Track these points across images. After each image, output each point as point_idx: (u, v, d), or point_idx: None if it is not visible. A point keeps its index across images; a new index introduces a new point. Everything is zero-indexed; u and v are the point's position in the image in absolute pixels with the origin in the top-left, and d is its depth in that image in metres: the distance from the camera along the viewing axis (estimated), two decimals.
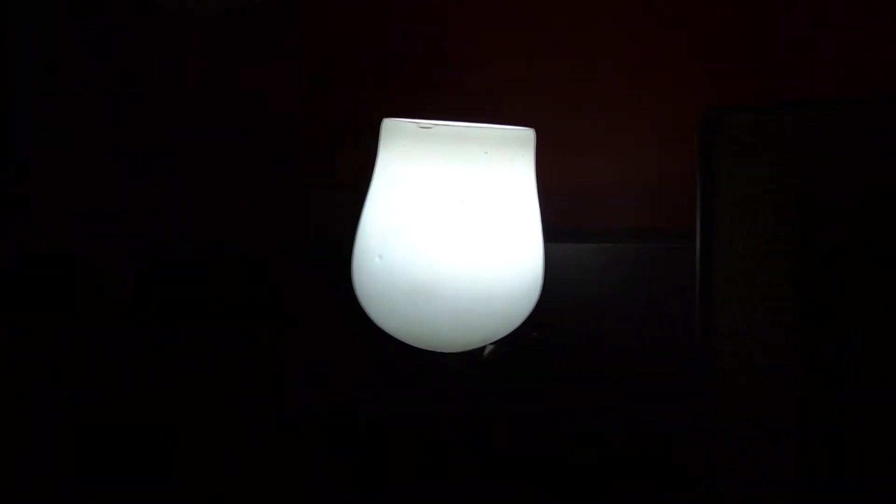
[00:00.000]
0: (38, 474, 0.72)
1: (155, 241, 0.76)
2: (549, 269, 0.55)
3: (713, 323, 0.49)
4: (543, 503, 0.62)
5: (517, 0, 0.66)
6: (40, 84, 0.75)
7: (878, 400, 0.46)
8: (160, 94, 0.77)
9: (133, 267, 0.75)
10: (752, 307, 0.48)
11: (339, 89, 0.71)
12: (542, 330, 0.62)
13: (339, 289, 0.54)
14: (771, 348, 0.48)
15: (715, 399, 0.49)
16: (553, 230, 0.56)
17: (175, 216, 0.76)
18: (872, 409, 0.46)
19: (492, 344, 0.57)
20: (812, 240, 0.48)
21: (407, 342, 0.49)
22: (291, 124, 0.72)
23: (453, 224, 0.45)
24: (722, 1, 0.59)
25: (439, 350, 0.50)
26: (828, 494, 0.46)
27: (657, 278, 0.59)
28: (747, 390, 0.48)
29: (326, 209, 0.68)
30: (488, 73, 0.66)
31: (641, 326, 0.60)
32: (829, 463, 0.46)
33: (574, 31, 0.63)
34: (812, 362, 0.47)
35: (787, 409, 0.47)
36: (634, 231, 0.62)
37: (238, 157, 0.76)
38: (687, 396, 0.51)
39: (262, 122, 0.74)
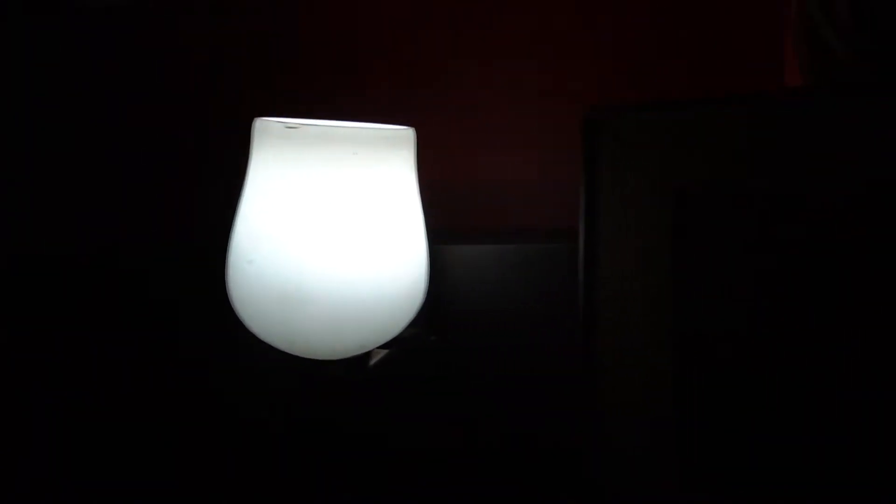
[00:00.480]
0: None
1: (30, 243, 0.73)
2: (445, 271, 0.54)
3: (595, 320, 0.49)
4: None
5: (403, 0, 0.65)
6: None
7: (753, 392, 0.45)
8: (37, 91, 0.74)
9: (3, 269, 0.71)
10: (633, 305, 0.48)
11: (225, 89, 0.69)
12: (439, 333, 0.61)
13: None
14: (650, 344, 0.47)
15: (596, 394, 0.48)
16: (447, 232, 0.55)
17: (51, 219, 0.73)
18: (748, 400, 0.46)
19: (384, 349, 0.55)
20: (690, 239, 0.47)
21: (281, 349, 0.47)
22: (180, 124, 0.70)
23: (324, 227, 0.44)
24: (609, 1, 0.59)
25: (316, 357, 0.48)
26: (708, 483, 0.46)
27: (548, 277, 0.59)
28: (628, 384, 0.48)
29: (215, 211, 0.66)
30: (379, 74, 0.65)
31: (537, 325, 0.59)
32: (708, 452, 0.46)
33: (463, 31, 0.62)
34: (689, 357, 0.47)
35: (666, 401, 0.47)
36: (529, 230, 0.62)
37: (123, 159, 0.73)
38: (573, 392, 0.51)
39: (150, 123, 0.72)
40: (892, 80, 0.49)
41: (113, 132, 0.72)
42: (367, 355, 0.53)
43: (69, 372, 0.70)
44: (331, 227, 0.44)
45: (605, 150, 0.50)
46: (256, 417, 0.62)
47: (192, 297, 0.65)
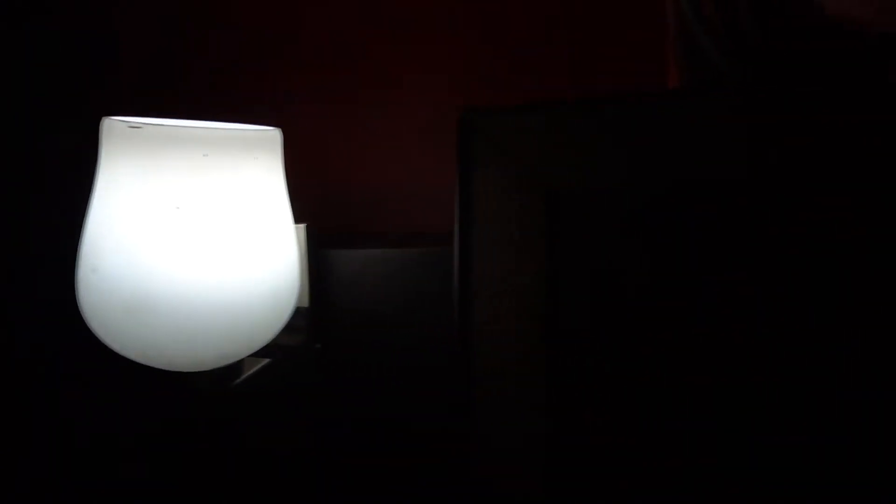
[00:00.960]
0: None
1: None
2: (331, 276, 0.52)
3: (470, 322, 0.48)
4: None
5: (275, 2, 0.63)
6: None
7: (625, 392, 0.45)
8: None
9: None
10: (507, 306, 0.47)
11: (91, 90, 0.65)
12: (324, 340, 0.60)
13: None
14: (524, 345, 0.47)
15: (472, 393, 0.47)
16: (334, 237, 0.53)
17: None
18: (621, 399, 0.45)
19: (265, 358, 0.53)
20: (563, 240, 0.47)
21: (138, 361, 0.45)
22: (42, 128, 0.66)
23: (174, 233, 0.41)
24: (488, 4, 0.58)
25: (175, 369, 0.46)
26: (576, 481, 0.46)
27: (432, 281, 0.57)
28: (502, 384, 0.47)
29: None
30: (260, 77, 0.63)
31: (422, 329, 0.58)
32: (579, 450, 0.46)
33: (337, 34, 0.61)
34: (562, 357, 0.46)
35: (540, 400, 0.46)
36: (419, 234, 0.60)
37: None
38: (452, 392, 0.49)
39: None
40: (759, 81, 0.50)
41: None
42: (239, 365, 0.51)
43: None
44: (181, 232, 0.42)
45: (479, 152, 0.49)
46: (121, 431, 0.59)
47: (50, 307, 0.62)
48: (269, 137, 0.45)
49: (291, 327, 0.61)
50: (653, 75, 0.57)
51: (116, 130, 0.42)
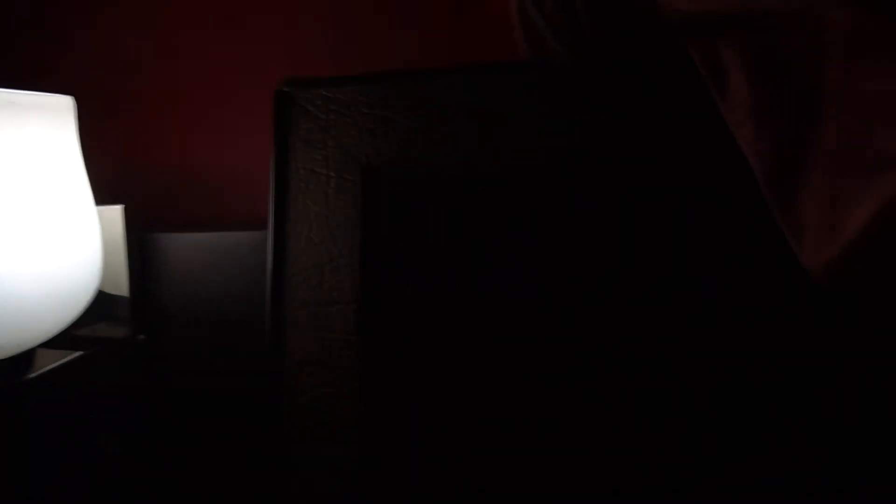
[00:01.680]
0: None
1: None
2: (156, 263, 0.48)
3: (282, 304, 0.45)
4: None
5: None
6: None
7: (443, 384, 0.43)
8: None
9: None
10: (322, 287, 0.45)
11: None
12: (149, 332, 0.55)
13: None
14: (339, 328, 0.44)
15: (284, 379, 0.45)
16: (157, 220, 0.49)
17: None
18: (437, 392, 0.43)
19: (76, 351, 0.49)
20: (381, 217, 0.45)
21: None
22: None
23: None
24: None
25: None
26: (390, 482, 0.43)
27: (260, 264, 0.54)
28: (317, 364, 0.44)
29: None
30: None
31: (248, 315, 0.55)
32: (392, 437, 0.43)
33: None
34: (373, 332, 0.44)
35: (354, 381, 0.44)
36: (254, 218, 0.57)
37: None
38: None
39: None
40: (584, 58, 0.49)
41: None
42: (29, 357, 0.46)
43: None
44: None
45: (296, 125, 0.47)
46: None
47: None
48: (57, 106, 0.41)
49: (112, 317, 0.57)
50: (510, 49, 0.55)
51: None
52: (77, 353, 0.51)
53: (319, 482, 0.43)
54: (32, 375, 0.46)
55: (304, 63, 0.54)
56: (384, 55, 0.54)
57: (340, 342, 0.44)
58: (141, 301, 0.52)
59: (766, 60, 0.39)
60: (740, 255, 0.40)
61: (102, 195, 0.47)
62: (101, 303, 0.54)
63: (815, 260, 0.35)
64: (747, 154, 0.38)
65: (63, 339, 0.51)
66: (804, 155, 0.37)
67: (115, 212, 0.53)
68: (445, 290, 0.44)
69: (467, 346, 0.43)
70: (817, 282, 0.36)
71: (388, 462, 0.43)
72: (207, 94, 0.57)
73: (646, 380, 0.40)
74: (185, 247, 0.56)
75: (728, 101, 0.39)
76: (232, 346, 0.55)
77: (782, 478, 0.39)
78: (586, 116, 0.43)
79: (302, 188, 0.46)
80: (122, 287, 0.54)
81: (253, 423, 0.49)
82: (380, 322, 0.44)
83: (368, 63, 0.54)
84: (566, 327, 0.42)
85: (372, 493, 0.42)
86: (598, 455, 0.41)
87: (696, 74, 0.40)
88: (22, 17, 0.54)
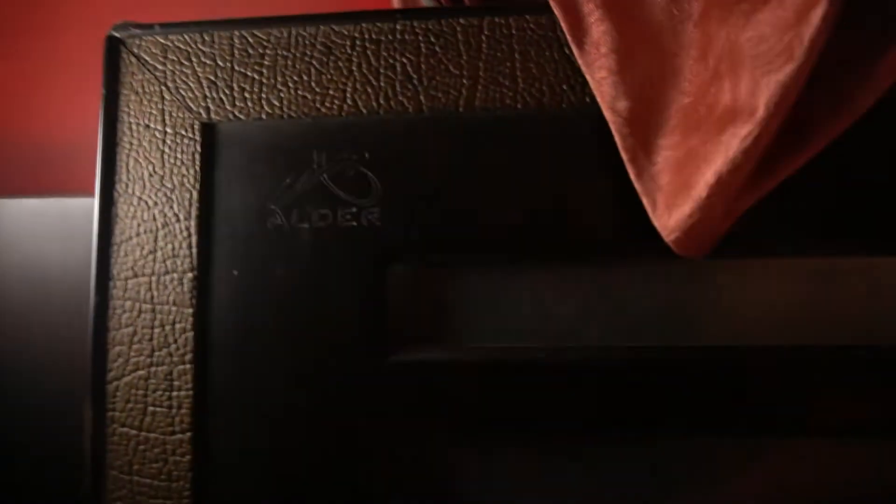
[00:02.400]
0: None
1: None
2: None
3: (109, 270, 0.40)
4: None
5: None
6: None
7: (293, 357, 0.39)
8: None
9: None
10: (151, 256, 0.40)
11: None
12: None
13: None
14: (174, 297, 0.39)
15: (107, 358, 0.40)
16: None
17: None
18: (287, 366, 0.39)
19: None
20: (219, 176, 0.40)
21: None
22: None
23: None
24: None
25: None
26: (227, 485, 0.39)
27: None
28: (148, 340, 0.39)
29: None
30: None
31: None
32: (227, 427, 0.39)
33: None
34: (213, 306, 0.40)
35: (187, 360, 0.39)
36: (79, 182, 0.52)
37: None
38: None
39: None
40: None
41: None
42: None
43: None
44: None
45: (127, 76, 0.42)
46: None
47: None
48: None
49: None
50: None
51: None
52: None
53: (142, 468, 0.39)
54: None
55: (138, 6, 0.49)
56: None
57: (174, 316, 0.39)
58: None
59: (627, 12, 0.38)
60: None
61: None
62: None
63: (667, 221, 0.33)
64: (605, 115, 0.36)
65: None
66: (662, 113, 0.36)
67: None
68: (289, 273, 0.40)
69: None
70: (672, 245, 0.34)
71: (219, 450, 0.39)
72: (29, 38, 0.51)
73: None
74: (18, 213, 0.50)
75: (587, 55, 0.37)
76: (70, 324, 0.49)
77: None
78: (457, 64, 0.39)
79: (134, 146, 0.41)
80: None
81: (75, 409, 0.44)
82: (221, 295, 0.40)
83: (213, 9, 0.49)
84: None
85: (197, 486, 0.38)
86: None
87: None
88: None
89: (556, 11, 0.39)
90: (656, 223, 0.35)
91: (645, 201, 0.35)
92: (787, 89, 0.29)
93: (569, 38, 0.38)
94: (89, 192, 0.51)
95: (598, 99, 0.37)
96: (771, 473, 0.40)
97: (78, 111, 0.51)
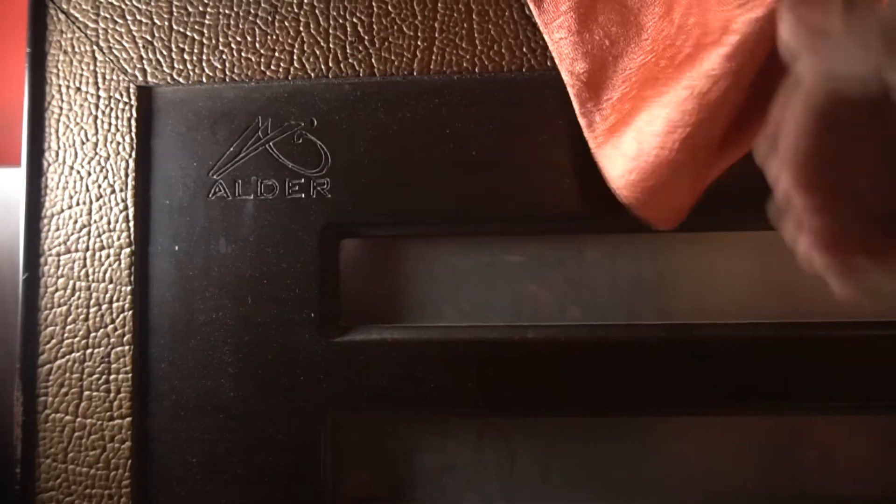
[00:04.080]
0: None
1: None
2: None
3: (38, 245, 0.38)
4: None
5: None
6: None
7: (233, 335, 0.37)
8: None
9: None
10: (88, 227, 0.37)
11: None
12: None
13: None
14: (110, 274, 0.37)
15: (38, 340, 0.37)
16: None
17: None
18: (226, 342, 0.37)
19: None
20: (150, 138, 0.37)
21: None
22: None
23: None
24: None
25: None
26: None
27: None
28: (83, 320, 0.37)
29: None
30: None
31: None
32: (165, 410, 0.37)
33: None
34: (151, 282, 0.37)
35: (125, 341, 0.37)
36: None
37: None
38: None
39: None
40: None
41: None
42: None
43: None
44: None
45: (56, 34, 0.38)
46: None
47: None
48: None
49: None
50: None
51: None
52: None
53: (78, 455, 0.37)
54: None
55: None
56: None
57: (111, 294, 0.37)
58: None
59: None
60: None
61: None
62: None
63: (625, 182, 0.32)
64: (564, 77, 0.34)
65: None
66: (620, 74, 0.34)
67: None
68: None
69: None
70: (634, 208, 0.33)
71: (160, 436, 0.37)
72: None
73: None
74: None
75: (545, 13, 0.35)
76: (6, 304, 0.46)
77: None
78: (411, 25, 0.37)
79: (65, 111, 0.38)
80: None
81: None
82: (160, 272, 0.37)
83: None
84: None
85: (138, 473, 0.36)
86: None
87: None
88: None
89: None
90: (615, 187, 0.33)
91: (603, 167, 0.34)
92: (761, 28, 0.28)
93: None
94: (14, 164, 0.48)
95: (557, 61, 0.36)
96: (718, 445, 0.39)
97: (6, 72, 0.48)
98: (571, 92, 0.35)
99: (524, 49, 0.37)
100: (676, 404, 0.35)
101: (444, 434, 0.39)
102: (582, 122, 0.35)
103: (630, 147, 0.32)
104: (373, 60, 0.37)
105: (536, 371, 0.36)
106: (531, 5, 0.36)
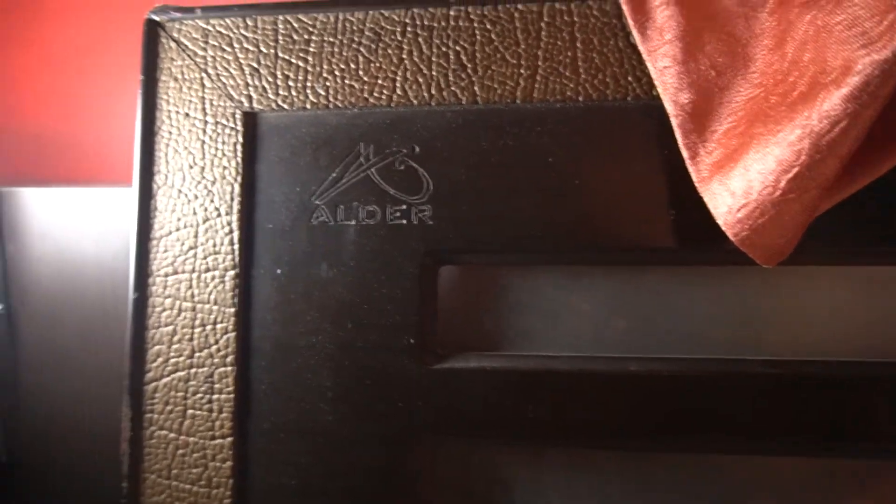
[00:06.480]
0: None
1: None
2: (7, 220, 0.41)
3: (147, 266, 0.39)
4: None
5: None
6: None
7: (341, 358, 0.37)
8: None
9: None
10: (195, 249, 0.38)
11: None
12: (9, 302, 0.48)
13: None
14: (215, 296, 0.38)
15: (145, 358, 0.38)
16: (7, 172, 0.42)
17: None
18: (335, 368, 0.37)
19: None
20: (262, 166, 0.38)
21: None
22: None
23: None
24: None
25: None
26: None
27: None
28: (188, 340, 0.38)
29: None
30: None
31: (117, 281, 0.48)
32: (269, 435, 0.38)
33: None
34: (255, 305, 0.38)
35: (229, 362, 0.37)
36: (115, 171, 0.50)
37: None
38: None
39: None
40: None
41: None
42: None
43: None
44: None
45: (167, 62, 0.40)
46: None
47: None
48: None
49: None
50: None
51: None
52: None
53: (181, 472, 0.38)
54: None
55: None
56: None
57: (215, 315, 0.38)
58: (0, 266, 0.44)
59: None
60: None
61: None
62: None
63: (733, 218, 0.31)
64: (667, 107, 0.34)
65: None
66: (727, 105, 0.33)
67: None
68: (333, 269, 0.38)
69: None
70: (741, 245, 0.32)
71: (260, 457, 0.37)
72: (67, 23, 0.49)
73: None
74: (51, 204, 0.48)
75: (649, 41, 0.35)
76: (104, 319, 0.48)
77: None
78: (514, 53, 0.37)
79: (174, 136, 0.39)
80: None
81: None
82: (263, 294, 0.38)
83: None
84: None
85: (238, 493, 0.37)
86: None
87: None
88: None
89: None
90: (721, 223, 0.32)
91: (708, 202, 0.33)
92: (886, 70, 0.27)
93: (630, 22, 0.36)
94: (122, 182, 0.50)
95: (660, 90, 0.35)
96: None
97: (110, 99, 0.50)
98: (675, 122, 0.34)
99: (629, 77, 0.36)
100: (791, 441, 0.34)
101: (539, 465, 0.39)
102: (685, 153, 0.34)
103: (738, 184, 0.31)
104: (475, 88, 0.37)
105: (636, 404, 0.35)
106: (635, 33, 0.36)
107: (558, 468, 0.39)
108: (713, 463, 0.38)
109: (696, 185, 0.33)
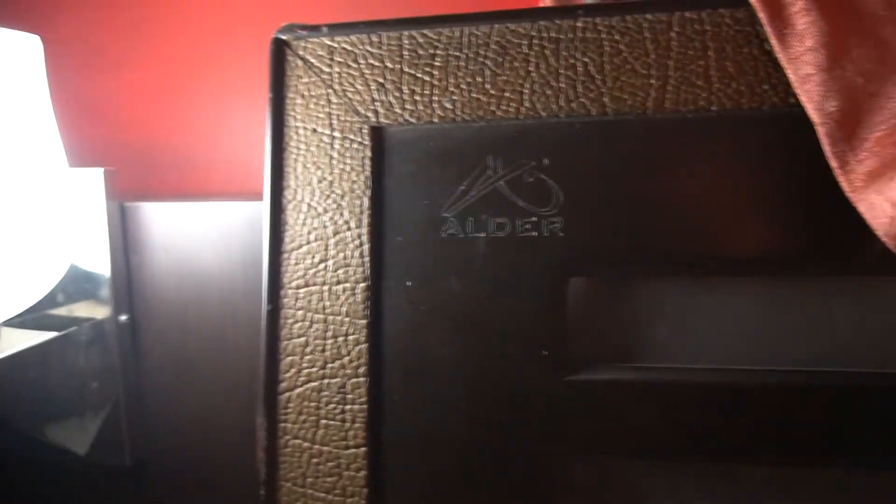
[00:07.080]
0: None
1: None
2: (136, 233, 0.43)
3: (280, 279, 0.40)
4: None
5: None
6: None
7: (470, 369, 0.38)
8: None
9: None
10: (323, 262, 0.39)
11: None
12: (135, 312, 0.50)
13: None
14: (346, 308, 0.38)
15: (278, 369, 0.39)
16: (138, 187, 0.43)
17: None
18: (464, 381, 0.38)
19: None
20: (390, 180, 0.39)
21: None
22: None
23: None
24: None
25: None
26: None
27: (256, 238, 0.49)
28: (319, 352, 0.39)
29: None
30: None
31: (247, 294, 0.50)
32: (401, 444, 0.38)
33: None
34: (386, 317, 0.38)
35: (360, 373, 0.38)
36: (241, 185, 0.52)
37: None
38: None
39: None
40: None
41: None
42: None
43: None
44: None
45: (294, 79, 0.41)
46: None
47: None
48: (19, 46, 0.35)
49: (90, 295, 0.51)
50: None
51: None
52: (49, 335, 0.46)
53: (316, 481, 0.38)
54: None
55: (306, 7, 0.48)
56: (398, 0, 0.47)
57: (347, 327, 0.38)
58: (123, 278, 0.46)
59: (835, 2, 0.34)
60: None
61: (80, 157, 0.41)
62: (78, 279, 0.49)
63: (894, 230, 0.30)
64: (812, 116, 0.33)
65: (33, 320, 0.46)
66: (879, 112, 0.33)
67: (95, 176, 0.47)
68: (468, 277, 0.38)
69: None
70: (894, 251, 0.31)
71: (394, 467, 0.37)
72: (198, 43, 0.51)
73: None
74: (173, 217, 0.50)
75: (789, 49, 0.34)
76: (225, 329, 0.49)
77: None
78: (644, 63, 0.37)
79: (302, 151, 0.40)
80: (102, 262, 0.48)
81: (246, 418, 0.43)
82: (393, 307, 0.38)
83: (380, 9, 0.48)
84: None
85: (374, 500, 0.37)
86: None
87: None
88: None
89: (753, 1, 0.36)
90: (882, 234, 0.31)
91: (865, 212, 0.32)
92: None
93: (768, 29, 0.35)
94: (243, 196, 0.51)
95: (803, 98, 0.34)
96: None
97: (231, 115, 0.51)
98: (821, 131, 0.33)
99: (765, 86, 0.36)
100: None
101: (675, 480, 0.38)
102: (833, 162, 0.33)
103: None
104: (605, 99, 0.37)
105: (775, 418, 0.34)
106: (773, 41, 0.35)
107: (695, 478, 0.38)
108: (865, 480, 0.37)
109: (848, 194, 0.32)
